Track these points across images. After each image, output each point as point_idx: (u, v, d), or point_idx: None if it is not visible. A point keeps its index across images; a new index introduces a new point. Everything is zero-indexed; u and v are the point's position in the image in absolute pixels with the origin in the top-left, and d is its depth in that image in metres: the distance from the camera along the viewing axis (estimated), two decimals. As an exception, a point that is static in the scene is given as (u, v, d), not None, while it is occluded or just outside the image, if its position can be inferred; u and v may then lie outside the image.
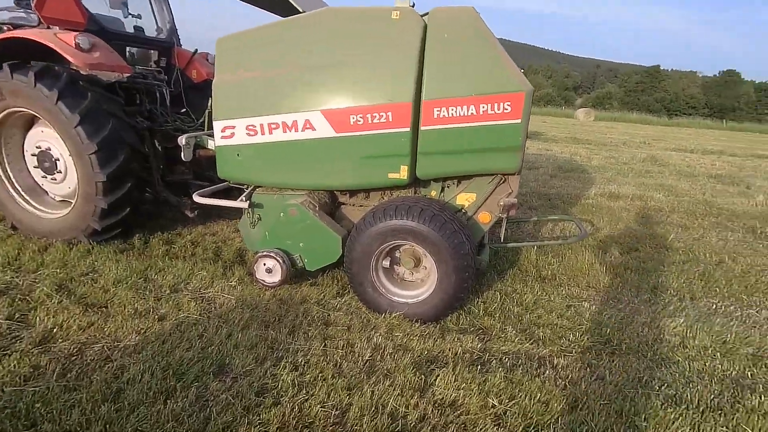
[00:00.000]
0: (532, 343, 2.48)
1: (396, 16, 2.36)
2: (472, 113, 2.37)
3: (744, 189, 7.62)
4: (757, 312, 3.05)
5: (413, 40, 2.35)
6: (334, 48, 2.52)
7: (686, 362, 2.40)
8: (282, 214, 2.82)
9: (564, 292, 3.17)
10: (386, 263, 2.68)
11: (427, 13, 2.44)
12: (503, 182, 2.71)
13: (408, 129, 2.45)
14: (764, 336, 2.74)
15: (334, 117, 2.53)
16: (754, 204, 6.43)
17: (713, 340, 2.61)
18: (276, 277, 2.82)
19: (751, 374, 2.34)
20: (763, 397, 2.12)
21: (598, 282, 3.38)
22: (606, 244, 4.21)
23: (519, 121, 2.35)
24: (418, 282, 2.80)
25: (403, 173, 2.55)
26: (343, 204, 3.05)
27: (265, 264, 2.82)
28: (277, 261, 2.78)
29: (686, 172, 9.01)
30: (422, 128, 2.46)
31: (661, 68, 73.26)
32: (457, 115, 2.39)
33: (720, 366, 2.38)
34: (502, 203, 2.69)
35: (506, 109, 2.33)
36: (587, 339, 2.55)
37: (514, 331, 2.59)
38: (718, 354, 2.49)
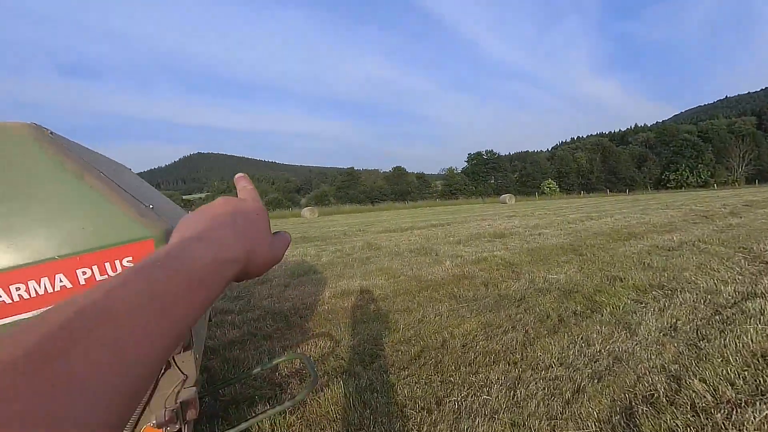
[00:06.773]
0: None
1: None
2: (64, 285, 1.35)
3: (434, 257, 9.30)
4: (488, 395, 3.07)
5: None
6: None
7: None
8: None
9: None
10: None
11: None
12: (168, 368, 1.72)
13: None
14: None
15: None
16: (445, 269, 7.75)
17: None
18: None
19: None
20: None
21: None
22: (348, 362, 3.75)
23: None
24: None
25: None
26: None
27: None
28: None
29: (394, 251, 10.45)
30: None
31: (355, 168, 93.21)
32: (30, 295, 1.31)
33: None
34: (174, 401, 1.67)
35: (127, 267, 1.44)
36: None
37: None
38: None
